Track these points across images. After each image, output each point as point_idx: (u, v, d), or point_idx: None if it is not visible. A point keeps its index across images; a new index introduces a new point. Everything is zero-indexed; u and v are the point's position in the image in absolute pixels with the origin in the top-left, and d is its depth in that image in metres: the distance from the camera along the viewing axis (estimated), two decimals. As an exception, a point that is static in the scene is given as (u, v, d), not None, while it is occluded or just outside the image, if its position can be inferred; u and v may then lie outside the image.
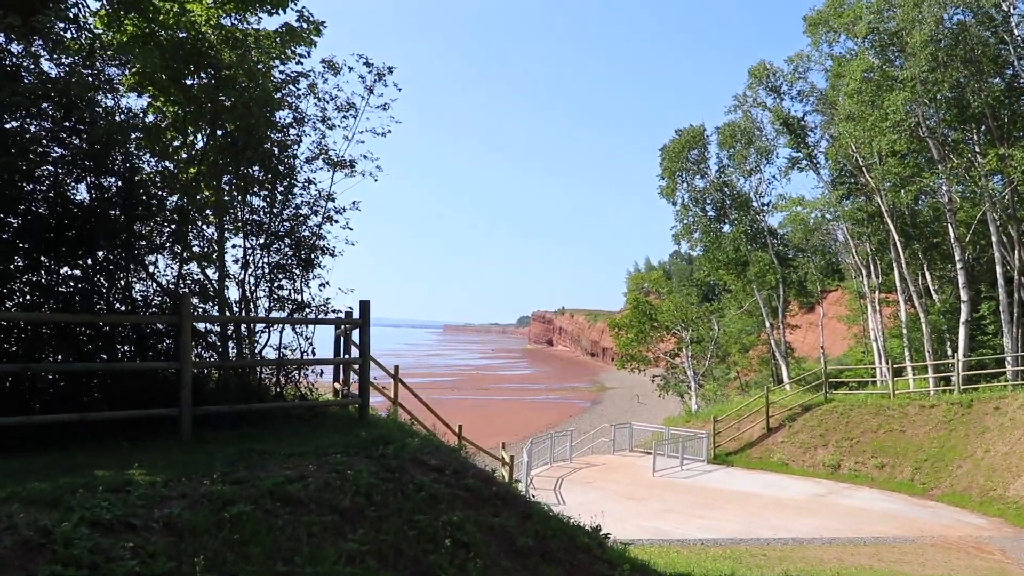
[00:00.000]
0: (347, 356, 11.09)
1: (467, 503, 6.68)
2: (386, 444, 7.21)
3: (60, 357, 8.44)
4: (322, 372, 10.92)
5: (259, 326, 10.56)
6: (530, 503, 7.63)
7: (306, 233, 10.65)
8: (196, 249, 10.39)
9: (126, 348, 9.03)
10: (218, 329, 10.17)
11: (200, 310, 9.71)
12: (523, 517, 7.01)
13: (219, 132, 10.76)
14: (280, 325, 10.46)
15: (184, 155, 10.92)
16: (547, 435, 28.44)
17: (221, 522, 4.91)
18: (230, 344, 10.41)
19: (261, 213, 10.67)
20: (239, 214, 10.56)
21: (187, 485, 5.37)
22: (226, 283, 10.56)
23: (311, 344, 10.46)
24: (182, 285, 9.85)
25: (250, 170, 10.76)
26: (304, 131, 11.01)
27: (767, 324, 40.06)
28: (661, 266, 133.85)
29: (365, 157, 11.97)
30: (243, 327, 10.49)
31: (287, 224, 10.54)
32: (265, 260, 10.37)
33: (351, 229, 11.11)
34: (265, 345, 10.56)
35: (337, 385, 11.49)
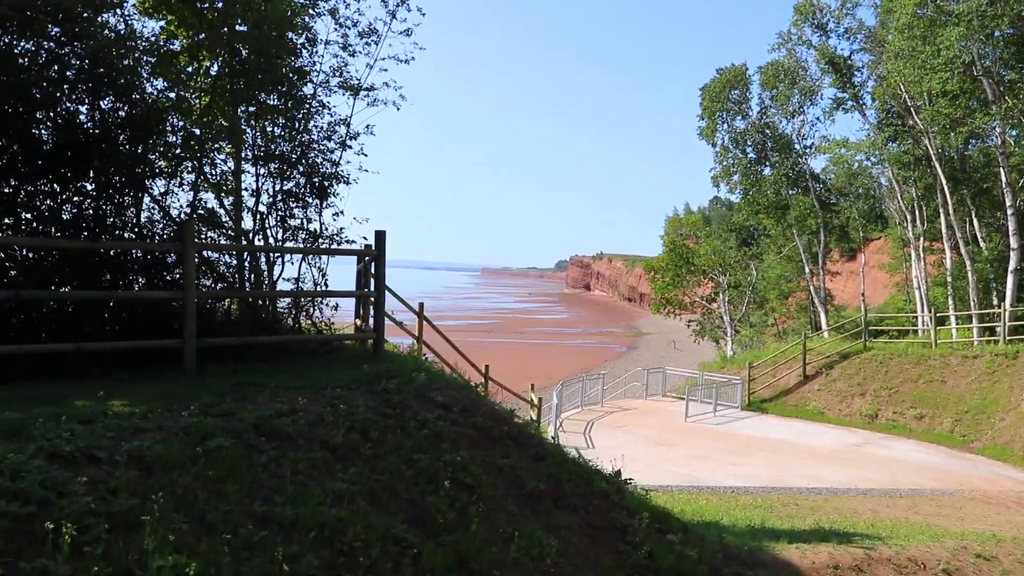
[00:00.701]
0: (366, 290, 10.73)
1: (474, 442, 6.29)
2: (390, 378, 6.83)
3: (66, 287, 8.13)
4: (337, 306, 10.61)
5: (275, 257, 10.22)
6: (545, 444, 7.21)
7: (320, 160, 10.23)
8: (211, 179, 10.04)
9: (132, 278, 8.70)
10: (231, 260, 9.84)
11: (207, 238, 9.32)
12: (536, 459, 6.59)
13: (234, 58, 10.25)
14: (296, 256, 10.15)
15: (199, 82, 10.46)
16: (579, 378, 28.19)
17: (196, 457, 4.49)
18: (247, 276, 10.09)
19: (277, 140, 10.23)
20: (255, 142, 10.13)
21: (165, 417, 4.97)
22: (242, 214, 10.19)
23: (324, 276, 10.17)
24: (193, 214, 9.48)
25: (266, 97, 10.30)
26: (319, 53, 10.48)
27: (806, 270, 39.03)
28: (700, 211, 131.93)
29: (388, 85, 11.45)
30: (261, 257, 10.14)
31: (300, 150, 10.10)
32: (277, 187, 9.99)
33: (365, 155, 10.69)
34: (279, 277, 10.24)
35: (358, 321, 11.17)
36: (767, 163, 39.52)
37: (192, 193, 9.50)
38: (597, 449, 18.94)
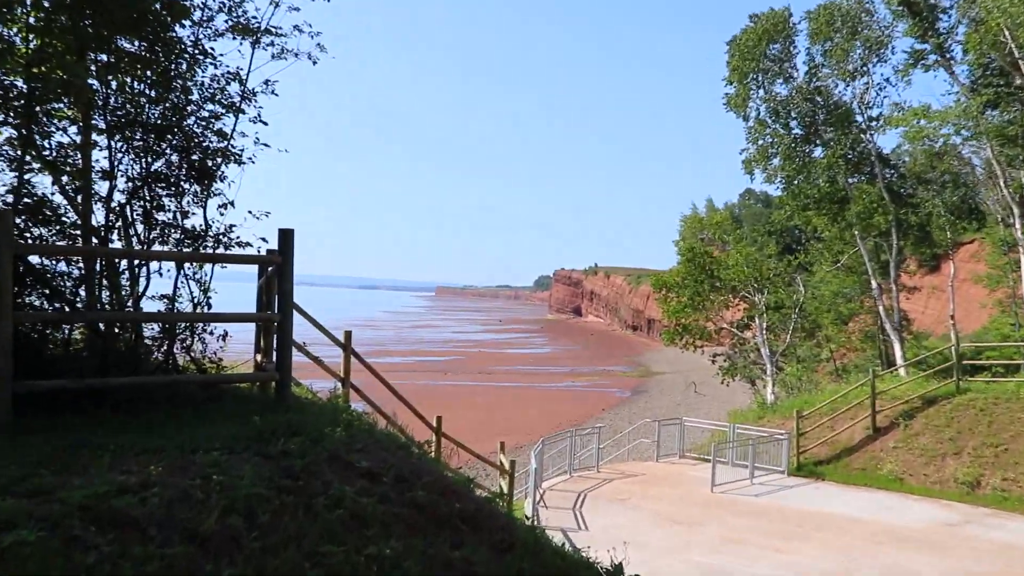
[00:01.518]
0: (269, 312, 10.41)
1: (412, 527, 6.06)
2: (293, 435, 6.64)
3: None
4: (226, 334, 10.35)
5: (138, 265, 9.87)
6: (514, 527, 6.97)
7: (201, 130, 9.92)
8: (43, 154, 9.64)
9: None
10: (72, 270, 9.45)
11: (35, 237, 8.92)
12: (500, 549, 6.36)
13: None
14: (169, 264, 9.86)
15: (24, 16, 10.07)
16: (567, 434, 28.00)
17: (-15, 558, 4.11)
18: (97, 293, 9.71)
19: (140, 101, 9.87)
20: (109, 103, 9.78)
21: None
22: (91, 205, 9.82)
23: (207, 293, 9.90)
24: (15, 204, 9.08)
25: (124, 41, 9.94)
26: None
27: (873, 285, 39.10)
28: (728, 208, 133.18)
29: (300, 30, 11.14)
30: (119, 266, 9.77)
31: (173, 116, 9.75)
32: (141, 168, 9.66)
33: (264, 123, 10.32)
34: (143, 294, 9.88)
35: (259, 357, 10.87)
36: (818, 141, 39.76)
37: (16, 174, 9.11)
38: (591, 531, 18.78)
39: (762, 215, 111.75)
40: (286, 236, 9.18)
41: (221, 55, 10.42)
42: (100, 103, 9.86)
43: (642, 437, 31.07)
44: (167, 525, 4.95)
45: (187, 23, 10.24)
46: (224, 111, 10.21)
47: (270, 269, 9.68)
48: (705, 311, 42.77)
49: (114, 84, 9.74)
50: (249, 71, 10.65)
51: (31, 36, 9.78)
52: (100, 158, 9.76)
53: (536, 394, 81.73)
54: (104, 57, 9.90)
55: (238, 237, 10.38)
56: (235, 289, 10.65)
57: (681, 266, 43.87)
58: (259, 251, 10.30)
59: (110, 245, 9.65)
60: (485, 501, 7.51)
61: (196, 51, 10.29)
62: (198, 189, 10.07)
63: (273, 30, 10.91)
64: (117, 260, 9.72)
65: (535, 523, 16.94)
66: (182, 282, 10.04)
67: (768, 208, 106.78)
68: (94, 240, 9.63)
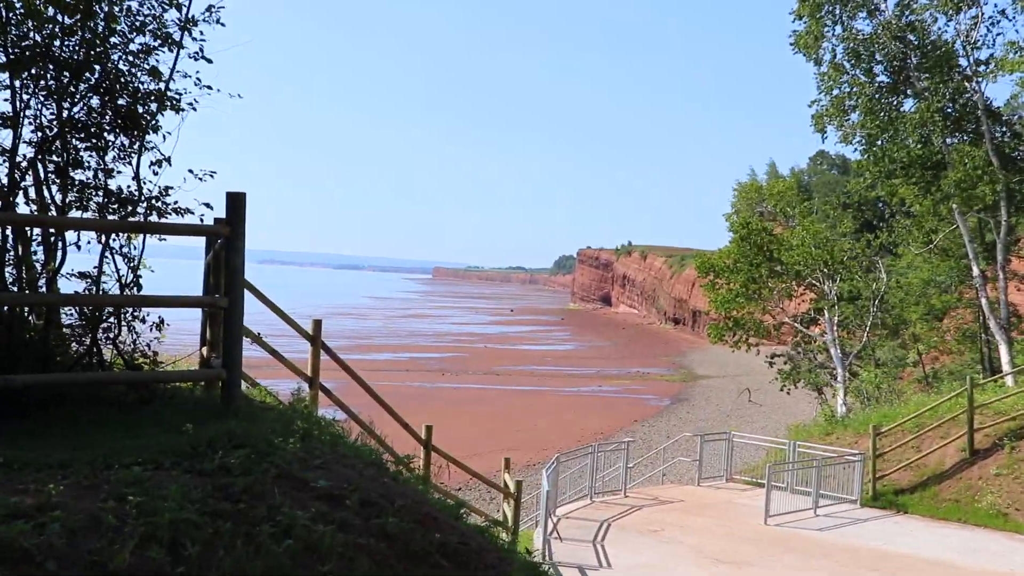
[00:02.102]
0: (216, 296, 10.37)
1: (381, 561, 6.06)
2: (235, 447, 6.64)
3: None
4: (162, 322, 10.38)
5: (53, 237, 9.85)
6: (511, 563, 6.89)
7: (128, 67, 9.89)
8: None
9: None
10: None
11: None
12: None
13: None
14: (91, 235, 9.84)
15: None
16: (589, 449, 27.99)
17: None
18: (6, 268, 9.71)
19: (51, 29, 9.80)
20: (10, 31, 9.73)
21: None
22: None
23: (137, 271, 9.84)
24: None
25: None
26: None
27: (975, 272, 38.88)
28: (795, 175, 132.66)
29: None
30: (29, 237, 9.75)
31: (92, 49, 9.70)
32: (53, 113, 9.63)
33: (208, 60, 10.27)
34: (57, 271, 9.85)
35: (205, 350, 10.88)
36: (909, 91, 39.24)
37: None
38: (615, 570, 18.94)
39: (837, 184, 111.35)
40: (236, 202, 9.09)
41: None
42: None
43: (681, 455, 31.10)
44: (69, 559, 4.94)
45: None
46: (158, 44, 10.15)
47: (219, 243, 9.61)
48: (762, 301, 42.92)
49: (19, 5, 9.66)
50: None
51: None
52: (0, 100, 9.72)
53: (554, 400, 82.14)
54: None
55: (176, 202, 10.35)
56: (180, 267, 10.69)
57: (733, 245, 44.05)
58: (202, 220, 10.26)
59: (15, 210, 9.61)
60: (476, 531, 7.50)
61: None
62: (125, 141, 10.04)
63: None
64: (27, 229, 9.69)
65: (545, 558, 16.98)
66: (107, 257, 9.98)
67: (845, 176, 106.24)
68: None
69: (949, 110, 38.32)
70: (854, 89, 39.42)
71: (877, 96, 39.34)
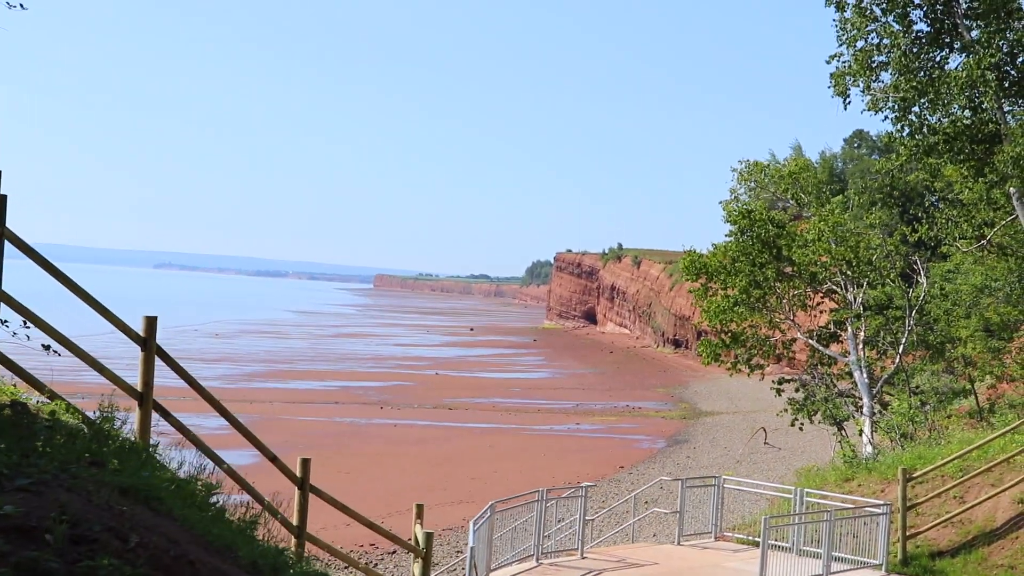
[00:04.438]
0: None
1: None
2: None
3: None
4: None
5: None
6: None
7: None
8: None
9: None
10: None
11: None
12: None
13: None
14: None
15: None
16: (535, 496, 27.44)
17: None
18: None
19: None
20: None
21: None
22: None
23: None
24: None
25: None
26: None
27: (1039, 277, 38.53)
28: (825, 160, 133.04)
29: None
30: None
31: None
32: None
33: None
34: None
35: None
36: (956, 43, 38.94)
37: None
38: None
39: (868, 170, 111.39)
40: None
41: None
42: None
43: (658, 505, 30.69)
44: None
45: None
46: None
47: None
48: (768, 312, 42.75)
49: None
50: None
51: None
52: None
53: (521, 441, 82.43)
54: None
55: None
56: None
57: (732, 240, 43.91)
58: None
59: None
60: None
61: None
62: None
63: None
64: None
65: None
66: None
67: (881, 158, 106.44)
68: None
69: (1006, 67, 37.96)
70: (885, 41, 38.95)
71: (915, 49, 38.90)
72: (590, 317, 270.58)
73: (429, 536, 18.79)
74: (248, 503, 12.73)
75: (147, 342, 14.12)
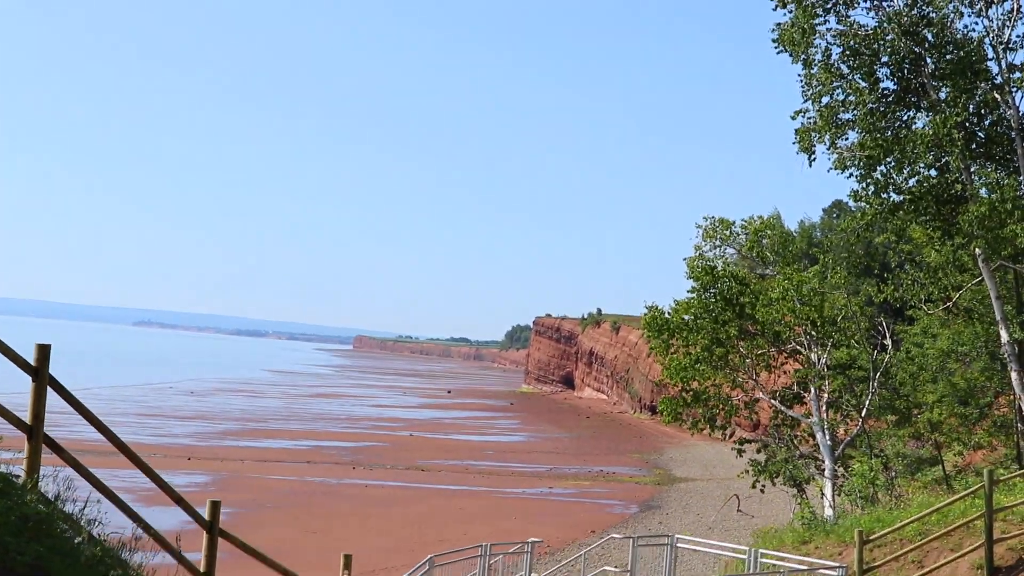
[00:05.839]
0: None
1: None
2: None
3: None
4: None
5: None
6: None
7: None
8: None
9: None
10: None
11: None
12: None
13: None
14: None
15: None
16: (477, 551, 26.97)
17: None
18: None
19: None
20: None
21: None
22: None
23: None
24: None
25: None
26: None
27: (1004, 339, 38.07)
28: (805, 229, 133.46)
29: None
30: None
31: None
32: None
33: None
34: None
35: None
36: (921, 102, 38.88)
37: None
38: None
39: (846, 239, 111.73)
40: None
41: None
42: None
43: (607, 563, 30.21)
44: None
45: None
46: None
47: None
48: (731, 371, 42.29)
49: None
50: None
51: None
52: None
53: (493, 504, 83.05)
54: None
55: None
56: None
57: (694, 297, 43.69)
58: None
59: None
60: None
61: None
62: None
63: None
64: None
65: None
66: None
67: (855, 217, 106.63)
68: None
69: (973, 127, 37.73)
70: (850, 97, 38.72)
71: (881, 108, 38.69)
72: (568, 382, 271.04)
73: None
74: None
75: (39, 371, 13.42)
